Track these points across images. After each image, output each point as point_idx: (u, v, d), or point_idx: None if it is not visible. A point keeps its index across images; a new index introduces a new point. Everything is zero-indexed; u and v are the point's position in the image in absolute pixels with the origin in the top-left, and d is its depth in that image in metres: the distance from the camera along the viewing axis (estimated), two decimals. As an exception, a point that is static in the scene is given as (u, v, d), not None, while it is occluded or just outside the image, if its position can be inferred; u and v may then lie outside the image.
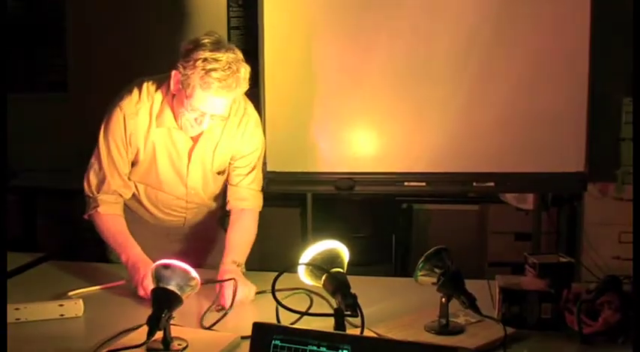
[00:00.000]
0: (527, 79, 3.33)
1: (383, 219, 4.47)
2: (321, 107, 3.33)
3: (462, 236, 4.33)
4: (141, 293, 2.25)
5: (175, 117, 2.38)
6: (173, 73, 2.30)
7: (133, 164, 2.50)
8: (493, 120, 3.35)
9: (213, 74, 2.20)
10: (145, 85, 2.43)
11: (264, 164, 2.77)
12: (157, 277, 1.89)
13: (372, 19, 3.31)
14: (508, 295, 2.02)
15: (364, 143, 3.38)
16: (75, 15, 4.69)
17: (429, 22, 3.32)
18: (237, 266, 2.39)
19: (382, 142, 3.39)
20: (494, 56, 3.32)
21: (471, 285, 1.98)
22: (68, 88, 4.80)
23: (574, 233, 4.12)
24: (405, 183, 3.40)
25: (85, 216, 2.51)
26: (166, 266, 1.90)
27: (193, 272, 1.92)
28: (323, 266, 2.01)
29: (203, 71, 2.21)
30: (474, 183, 3.42)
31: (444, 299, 1.98)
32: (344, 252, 2.08)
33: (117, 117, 2.41)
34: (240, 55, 2.29)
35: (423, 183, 3.41)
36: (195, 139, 2.46)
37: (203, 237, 2.76)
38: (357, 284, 1.96)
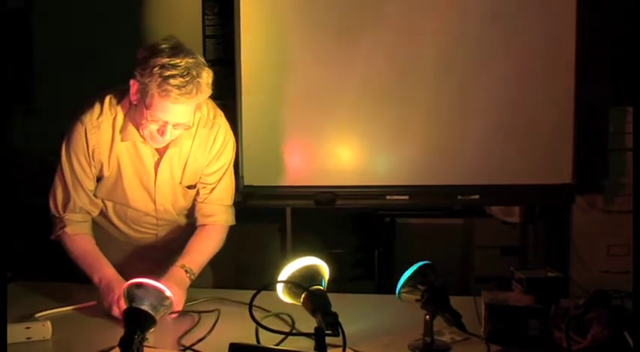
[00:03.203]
0: (512, 90, 3.35)
1: (365, 234, 4.46)
2: (300, 119, 3.34)
3: (446, 250, 4.32)
4: (115, 312, 2.21)
5: (138, 130, 2.33)
6: (131, 82, 2.24)
7: (98, 180, 2.46)
8: (477, 132, 3.37)
9: (172, 81, 2.14)
10: (107, 97, 2.38)
11: (241, 178, 2.76)
12: (130, 297, 1.88)
13: (353, 30, 3.33)
14: (494, 312, 2.02)
15: (345, 156, 3.38)
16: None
17: (412, 34, 3.34)
18: (186, 272, 2.35)
19: (364, 155, 3.40)
20: (478, 67, 3.35)
21: (457, 302, 1.98)
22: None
23: (562, 246, 4.13)
24: (388, 197, 3.40)
25: (53, 237, 2.48)
26: (139, 286, 1.88)
27: (167, 292, 1.90)
28: (302, 283, 1.99)
29: (160, 78, 2.14)
30: (459, 196, 3.43)
31: (428, 317, 1.98)
32: (324, 269, 2.07)
33: (78, 131, 2.37)
34: (200, 60, 2.23)
35: (406, 197, 3.41)
36: (161, 152, 2.42)
37: (177, 253, 2.74)
38: (338, 302, 1.96)
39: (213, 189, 2.53)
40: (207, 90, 2.24)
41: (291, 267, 2.05)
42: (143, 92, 2.20)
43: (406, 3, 3.33)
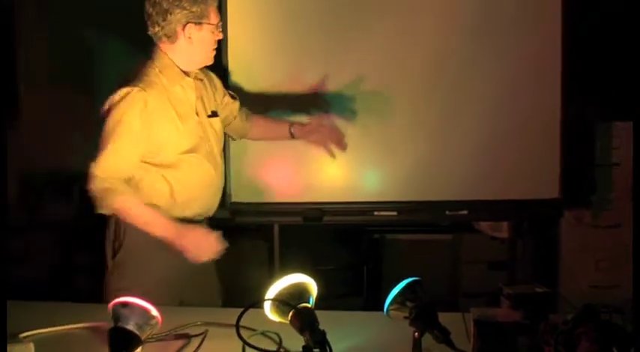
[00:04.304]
0: (499, 106, 3.37)
1: (353, 251, 4.46)
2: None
3: (435, 266, 4.33)
4: (216, 244, 2.49)
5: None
6: (185, 27, 2.53)
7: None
8: (465, 148, 3.38)
9: None
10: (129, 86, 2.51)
11: (228, 195, 2.77)
12: (115, 316, 1.87)
13: (340, 47, 3.34)
14: (483, 328, 2.02)
15: (332, 172, 3.38)
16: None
17: (399, 50, 3.36)
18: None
19: (351, 171, 3.40)
20: (465, 83, 3.37)
21: (445, 318, 1.98)
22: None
23: (551, 261, 4.15)
24: (376, 213, 3.41)
25: (102, 211, 2.52)
26: (124, 305, 1.88)
27: (154, 311, 1.89)
28: (290, 301, 1.99)
29: None
30: (447, 212, 3.44)
31: (417, 334, 1.97)
32: (312, 286, 2.07)
33: (134, 98, 2.49)
34: None
35: (394, 213, 3.42)
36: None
37: None
38: (326, 320, 1.95)
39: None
40: None
41: (279, 285, 2.04)
42: (197, 16, 2.53)
43: (393, 20, 3.35)
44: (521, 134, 3.40)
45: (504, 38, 3.36)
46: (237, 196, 3.31)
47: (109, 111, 2.51)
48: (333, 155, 2.99)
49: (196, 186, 2.66)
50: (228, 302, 2.84)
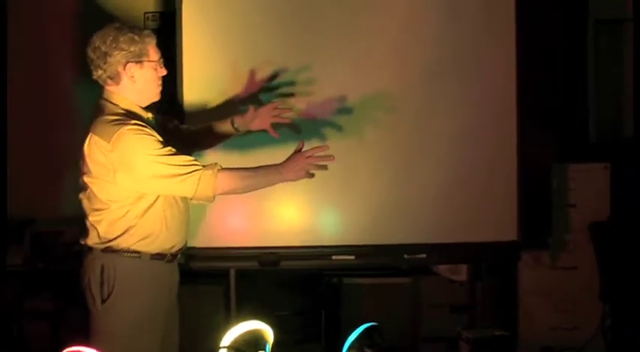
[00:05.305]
0: (455, 149, 3.42)
1: (311, 295, 4.42)
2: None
3: (394, 310, 4.32)
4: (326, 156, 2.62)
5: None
6: (121, 68, 2.59)
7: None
8: (422, 192, 3.41)
9: (142, 31, 2.66)
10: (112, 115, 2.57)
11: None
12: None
13: (291, 90, 3.36)
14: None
15: (289, 215, 3.38)
16: None
17: (356, 92, 3.38)
18: None
19: (308, 215, 3.40)
20: (421, 126, 3.42)
21: (404, 364, 1.98)
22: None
23: (510, 303, 4.16)
24: (334, 257, 3.40)
25: (216, 193, 2.58)
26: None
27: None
28: (246, 349, 1.97)
29: (136, 33, 2.62)
30: (405, 255, 3.45)
31: (375, 380, 1.97)
32: (268, 333, 2.05)
33: (137, 133, 2.52)
34: None
35: (352, 257, 3.42)
36: None
37: None
38: (283, 367, 1.94)
39: None
40: None
41: (234, 332, 2.02)
42: (136, 55, 2.59)
43: (352, 62, 3.39)
44: (477, 177, 3.43)
45: (459, 81, 3.42)
46: (192, 241, 3.27)
47: (117, 144, 2.51)
48: (275, 134, 3.01)
49: (180, 216, 2.73)
50: (182, 347, 2.81)
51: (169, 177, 2.53)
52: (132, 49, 2.59)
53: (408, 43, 3.43)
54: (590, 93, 4.27)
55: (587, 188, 3.96)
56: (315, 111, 3.38)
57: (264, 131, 3.00)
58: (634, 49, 4.04)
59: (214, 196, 2.59)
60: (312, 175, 2.65)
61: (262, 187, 2.72)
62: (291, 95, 3.36)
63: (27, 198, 4.01)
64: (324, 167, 2.65)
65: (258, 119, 2.99)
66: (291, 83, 3.37)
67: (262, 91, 3.37)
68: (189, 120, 3.21)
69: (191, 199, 2.64)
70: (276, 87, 3.35)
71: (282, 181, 2.66)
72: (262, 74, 3.39)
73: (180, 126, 3.01)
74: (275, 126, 3.00)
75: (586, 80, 4.26)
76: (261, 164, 2.68)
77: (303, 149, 2.66)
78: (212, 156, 3.09)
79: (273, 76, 3.38)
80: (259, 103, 3.16)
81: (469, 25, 3.44)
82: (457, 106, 3.42)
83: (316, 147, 2.66)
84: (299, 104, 3.36)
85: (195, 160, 2.60)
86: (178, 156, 2.56)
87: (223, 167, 2.60)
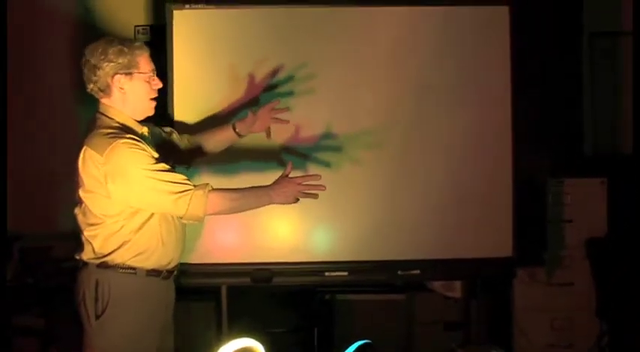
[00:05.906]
0: (450, 165, 3.42)
1: (303, 312, 4.40)
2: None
3: (388, 327, 4.30)
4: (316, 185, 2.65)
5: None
6: (110, 79, 2.59)
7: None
8: (416, 207, 3.40)
9: (132, 43, 2.66)
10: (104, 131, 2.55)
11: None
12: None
13: (287, 103, 3.34)
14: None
15: (282, 231, 3.36)
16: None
17: (348, 108, 3.38)
18: None
19: (301, 231, 3.39)
20: (415, 142, 3.42)
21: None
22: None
23: (505, 320, 4.15)
24: (327, 273, 3.39)
25: (206, 213, 2.58)
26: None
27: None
28: (237, 367, 1.95)
29: (126, 45, 2.62)
30: (399, 272, 3.43)
31: (369, 399, 1.95)
32: (260, 350, 2.04)
33: (131, 147, 2.51)
34: None
35: (346, 273, 3.40)
36: None
37: None
38: (275, 386, 1.92)
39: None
40: None
41: (226, 349, 2.01)
42: (124, 67, 2.59)
43: (342, 76, 3.39)
44: (472, 192, 3.43)
45: (454, 96, 3.42)
46: (183, 257, 3.24)
47: (110, 156, 2.50)
48: (269, 135, 3.10)
49: (176, 232, 2.73)
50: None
51: (161, 193, 2.52)
52: (120, 60, 2.60)
53: (404, 59, 3.43)
54: (585, 107, 4.28)
55: (583, 203, 3.95)
56: (307, 130, 3.37)
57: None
58: (633, 62, 4.04)
59: (204, 217, 2.59)
60: (297, 200, 2.67)
61: (251, 209, 2.73)
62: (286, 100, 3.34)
63: (16, 213, 3.99)
64: (315, 195, 2.66)
65: (259, 121, 3.04)
66: (286, 93, 3.36)
67: (254, 101, 3.36)
68: (181, 132, 3.19)
69: (181, 218, 2.62)
70: (269, 96, 3.33)
71: (271, 204, 2.67)
72: (254, 84, 3.38)
73: (180, 135, 3.02)
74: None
75: (581, 93, 4.27)
76: (251, 185, 2.69)
77: (292, 174, 2.69)
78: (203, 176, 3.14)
79: (266, 86, 3.37)
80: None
81: (464, 42, 3.44)
82: (452, 122, 3.42)
83: (308, 176, 2.70)
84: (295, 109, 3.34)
85: (187, 179, 2.59)
86: (171, 174, 2.56)
87: (214, 188, 2.59)
